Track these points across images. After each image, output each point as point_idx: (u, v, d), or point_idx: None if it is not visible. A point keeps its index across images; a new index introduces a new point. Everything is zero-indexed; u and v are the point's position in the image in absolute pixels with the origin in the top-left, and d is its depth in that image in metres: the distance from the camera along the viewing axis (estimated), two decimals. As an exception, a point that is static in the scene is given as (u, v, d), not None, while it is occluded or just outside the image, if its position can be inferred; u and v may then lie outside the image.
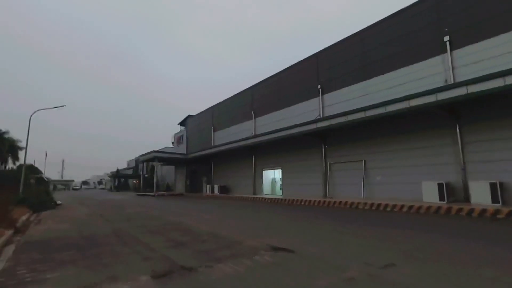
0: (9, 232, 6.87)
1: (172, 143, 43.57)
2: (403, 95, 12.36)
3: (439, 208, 10.29)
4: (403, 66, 14.16)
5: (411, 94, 11.73)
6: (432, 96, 10.95)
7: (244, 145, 22.92)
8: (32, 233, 7.58)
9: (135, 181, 60.30)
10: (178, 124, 41.77)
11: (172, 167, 41.45)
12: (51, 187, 54.32)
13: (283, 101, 21.78)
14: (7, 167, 37.58)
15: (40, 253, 5.30)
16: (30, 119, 15.80)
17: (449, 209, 9.96)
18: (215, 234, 6.89)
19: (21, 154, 37.72)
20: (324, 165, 17.69)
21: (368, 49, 15.97)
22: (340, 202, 13.90)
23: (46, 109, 16.30)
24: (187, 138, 37.31)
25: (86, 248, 5.66)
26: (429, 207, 10.57)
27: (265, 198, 19.58)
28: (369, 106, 13.22)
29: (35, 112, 15.95)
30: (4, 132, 36.99)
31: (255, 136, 21.99)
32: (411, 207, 11.06)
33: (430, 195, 11.79)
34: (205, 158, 30.41)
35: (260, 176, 23.60)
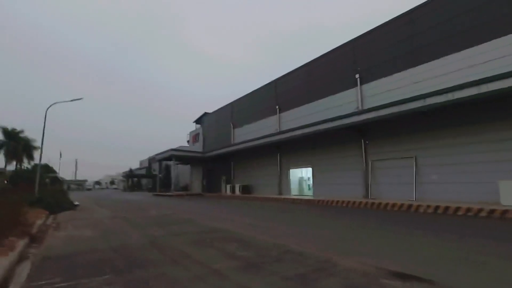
0: (22, 243, 5.45)
1: (188, 141, 42.34)
2: (471, 80, 10.54)
3: (534, 212, 8.42)
4: (467, 47, 12.22)
5: (488, 77, 9.87)
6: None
7: (269, 142, 21.33)
8: (51, 243, 6.14)
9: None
10: (193, 122, 40.53)
11: (186, 166, 40.22)
12: (65, 187, 53.97)
13: (313, 93, 20.06)
14: (22, 167, 37.10)
15: (65, 277, 3.81)
16: (46, 112, 14.60)
17: (549, 214, 8.09)
18: (283, 247, 5.29)
19: (36, 153, 37.16)
20: (364, 163, 15.90)
21: (418, 31, 14.10)
22: (393, 204, 12.10)
23: (63, 102, 15.11)
24: (203, 136, 35.97)
25: (125, 268, 4.14)
26: (518, 212, 8.71)
27: (295, 199, 17.92)
28: (430, 93, 11.38)
29: (51, 105, 14.78)
30: (19, 131, 36.52)
31: (282, 132, 20.35)
32: (492, 211, 9.21)
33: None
34: (224, 157, 28.98)
35: (287, 175, 21.93)
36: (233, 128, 29.41)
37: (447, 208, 10.25)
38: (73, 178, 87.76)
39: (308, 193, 21.40)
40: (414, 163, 13.64)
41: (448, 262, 4.25)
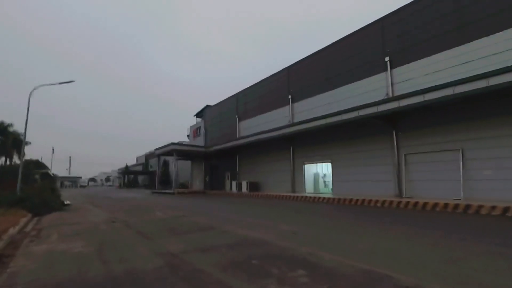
0: (-30, 272, 3.44)
1: (188, 136, 40.17)
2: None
3: None
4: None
5: None
6: None
7: (282, 135, 19.36)
8: (19, 267, 4.13)
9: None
10: (194, 116, 38.38)
11: (185, 162, 38.03)
12: (59, 184, 51.55)
13: (332, 81, 18.12)
14: (12, 163, 34.77)
15: None
16: (29, 96, 12.41)
17: None
18: (380, 276, 3.36)
19: (26, 149, 34.84)
20: (396, 157, 14.04)
21: (466, 3, 12.22)
22: (445, 204, 10.23)
23: (50, 84, 12.89)
24: (205, 130, 33.87)
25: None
26: None
27: (312, 197, 16.01)
28: (495, 71, 9.49)
29: (35, 88, 12.62)
30: (8, 125, 34.10)
31: (297, 123, 18.35)
32: None
33: None
34: (229, 152, 26.94)
35: (301, 171, 20.00)
36: (239, 120, 27.39)
37: (521, 209, 8.42)
38: (67, 175, 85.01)
39: (325, 191, 19.58)
40: (461, 156, 11.81)
41: None
